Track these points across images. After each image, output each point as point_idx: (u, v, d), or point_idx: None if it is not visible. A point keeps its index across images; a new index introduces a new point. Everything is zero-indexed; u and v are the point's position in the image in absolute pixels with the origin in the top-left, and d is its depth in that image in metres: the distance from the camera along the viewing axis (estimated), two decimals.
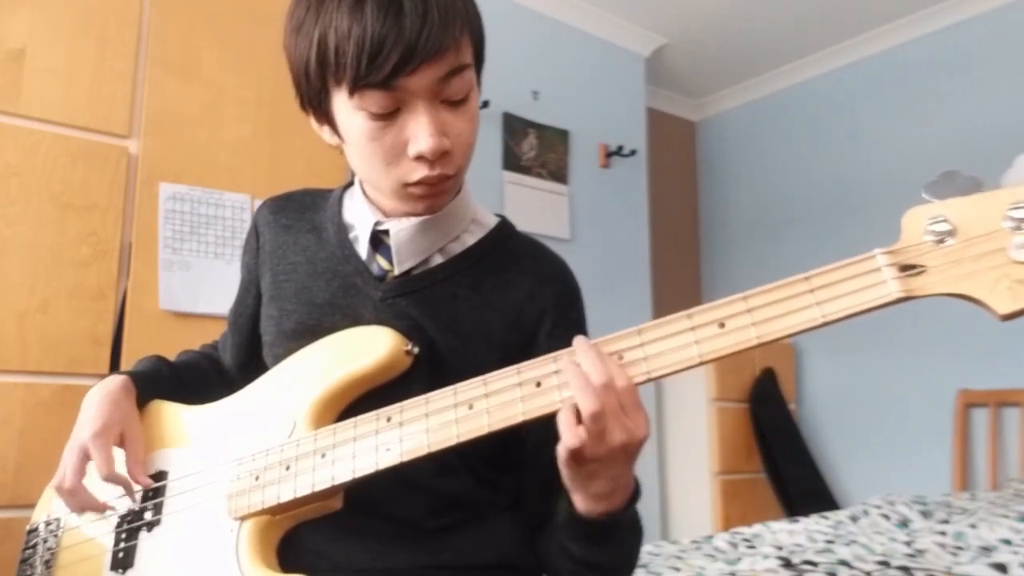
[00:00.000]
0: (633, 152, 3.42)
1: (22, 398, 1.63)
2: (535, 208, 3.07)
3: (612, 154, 3.36)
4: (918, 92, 3.36)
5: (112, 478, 0.84)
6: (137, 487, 0.88)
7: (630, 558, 0.80)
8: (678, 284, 3.93)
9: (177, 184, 1.85)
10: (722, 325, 0.66)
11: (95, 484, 0.88)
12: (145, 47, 1.87)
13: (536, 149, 3.12)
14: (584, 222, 3.22)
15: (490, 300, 0.85)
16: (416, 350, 0.80)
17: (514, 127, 3.07)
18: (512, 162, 3.04)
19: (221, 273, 1.86)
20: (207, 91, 1.92)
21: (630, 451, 0.69)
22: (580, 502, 0.73)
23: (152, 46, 1.87)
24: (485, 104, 2.86)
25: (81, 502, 0.86)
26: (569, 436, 0.67)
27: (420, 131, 0.74)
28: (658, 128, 3.92)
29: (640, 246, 3.43)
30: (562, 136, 3.21)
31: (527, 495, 0.87)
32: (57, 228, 1.71)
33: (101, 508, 0.87)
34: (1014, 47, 3.08)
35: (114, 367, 1.73)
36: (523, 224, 3.18)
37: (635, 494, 0.75)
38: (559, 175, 3.18)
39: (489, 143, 2.99)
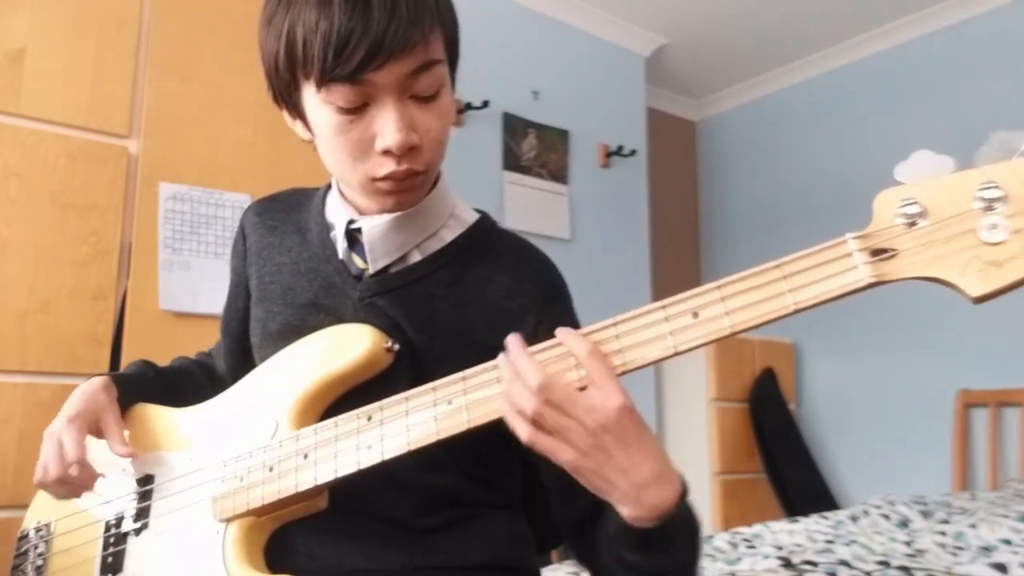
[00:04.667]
0: (633, 152, 3.42)
1: (22, 398, 1.63)
2: (535, 208, 3.07)
3: (612, 154, 3.36)
4: (918, 92, 3.36)
5: (80, 461, 0.83)
6: (126, 492, 0.88)
7: (692, 557, 0.74)
8: (678, 284, 3.91)
9: (177, 184, 1.85)
10: (696, 315, 0.66)
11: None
12: (145, 47, 1.87)
13: (536, 149, 3.12)
14: (584, 222, 3.22)
15: (469, 297, 0.84)
16: (396, 347, 0.80)
17: (514, 127, 3.06)
18: (512, 162, 3.04)
19: (221, 273, 1.86)
20: (207, 91, 1.92)
21: (613, 426, 0.65)
22: (624, 512, 0.68)
23: (152, 46, 1.87)
24: (485, 104, 2.86)
25: (68, 489, 0.86)
26: (520, 430, 0.66)
27: (387, 126, 0.74)
28: (658, 128, 3.92)
29: (640, 246, 3.43)
30: (562, 136, 3.21)
31: (554, 493, 0.83)
32: (57, 228, 1.71)
33: (87, 484, 0.86)
34: (1014, 47, 3.08)
35: (114, 367, 1.73)
36: (523, 224, 3.15)
37: (683, 491, 0.71)
38: (559, 175, 3.18)
39: (489, 143, 2.99)
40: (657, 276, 3.55)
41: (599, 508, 0.74)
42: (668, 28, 3.49)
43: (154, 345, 1.76)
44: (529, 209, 3.04)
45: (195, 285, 1.83)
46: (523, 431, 0.66)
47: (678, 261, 4.03)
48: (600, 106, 3.38)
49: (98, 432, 0.88)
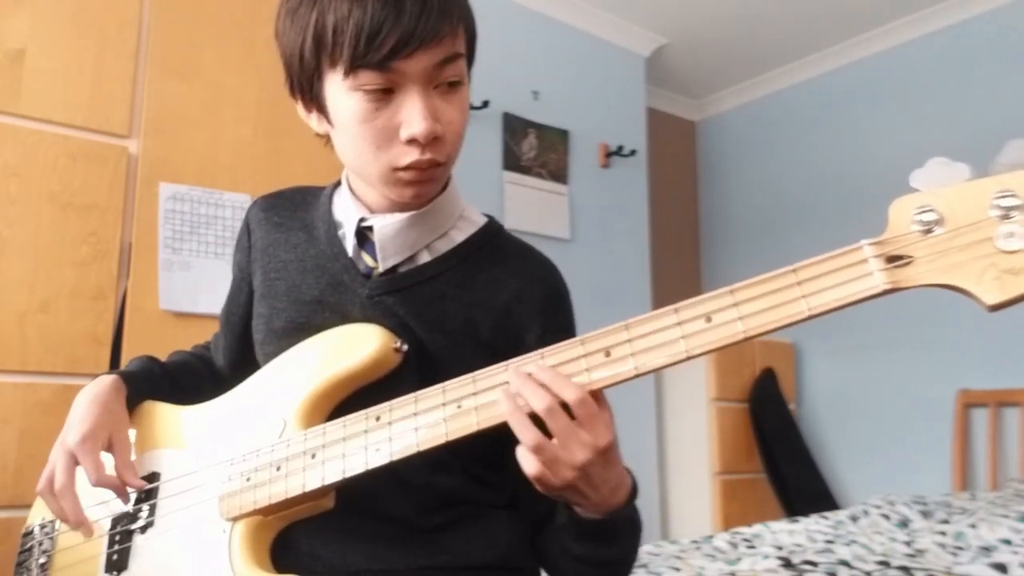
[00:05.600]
0: (633, 152, 3.42)
1: (22, 398, 1.63)
2: (535, 208, 3.07)
3: (612, 154, 3.36)
4: (918, 92, 3.36)
5: (102, 482, 0.83)
6: (130, 489, 0.88)
7: (631, 551, 0.81)
8: (678, 284, 3.93)
9: (177, 184, 1.85)
10: (709, 319, 0.65)
11: (84, 490, 0.88)
12: (145, 47, 1.87)
13: (536, 149, 3.12)
14: (584, 222, 3.22)
15: (478, 299, 0.84)
16: (405, 347, 0.80)
17: (514, 127, 3.06)
18: (512, 162, 3.04)
19: (221, 273, 1.86)
20: (207, 91, 1.92)
21: (598, 462, 0.69)
22: (579, 511, 0.74)
23: (152, 46, 1.87)
24: (485, 104, 2.86)
25: (63, 507, 0.85)
26: (526, 465, 0.69)
27: (413, 114, 0.75)
28: (658, 128, 3.92)
29: (640, 246, 3.43)
30: (562, 136, 3.21)
31: (524, 494, 0.86)
32: (57, 228, 1.71)
33: (80, 517, 0.85)
34: (1014, 47, 3.08)
35: (114, 367, 1.73)
36: (523, 224, 3.14)
37: (633, 491, 0.76)
38: (559, 175, 3.18)
39: (489, 143, 2.99)
40: (657, 276, 3.55)
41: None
42: (668, 28, 3.49)
43: (154, 345, 1.75)
44: (529, 209, 3.04)
45: (195, 285, 1.83)
46: (527, 438, 0.68)
47: (678, 261, 4.03)
48: (600, 106, 3.38)
49: (108, 447, 0.87)
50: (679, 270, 4.02)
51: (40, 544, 0.94)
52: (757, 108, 4.01)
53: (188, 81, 1.90)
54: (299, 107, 0.85)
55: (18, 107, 1.70)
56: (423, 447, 0.72)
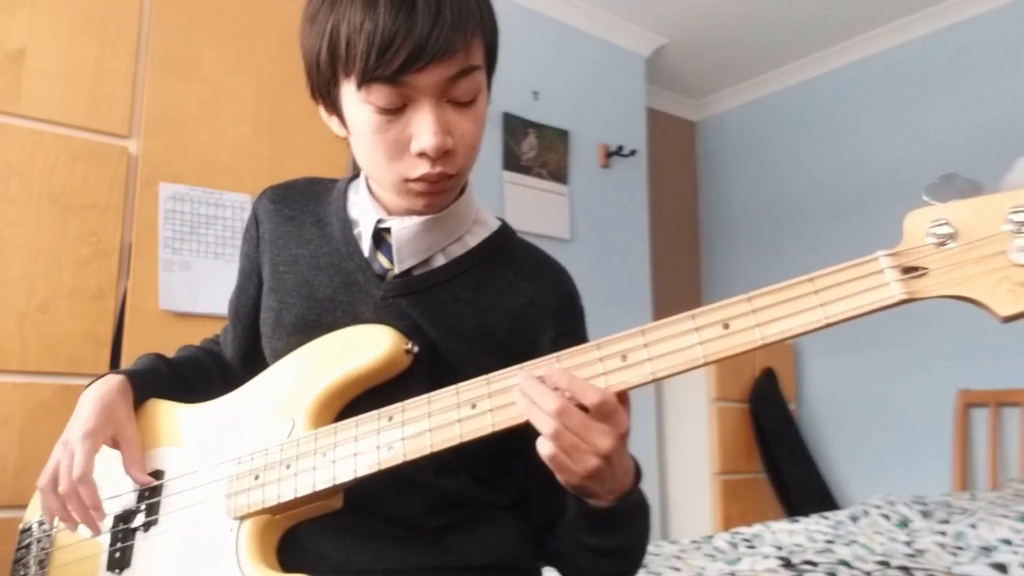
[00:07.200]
0: (633, 152, 3.42)
1: (22, 398, 1.63)
2: (535, 208, 3.07)
3: (612, 154, 3.36)
4: (917, 92, 3.36)
5: (85, 480, 0.82)
6: (134, 487, 0.87)
7: (644, 533, 0.81)
8: (678, 284, 3.93)
9: (177, 184, 1.85)
10: (726, 326, 0.66)
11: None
12: (145, 47, 1.87)
13: (536, 149, 3.12)
14: (584, 222, 3.22)
15: (493, 303, 0.85)
16: (416, 349, 0.80)
17: (514, 127, 3.07)
18: (512, 162, 3.04)
19: (221, 273, 1.86)
20: (207, 91, 1.92)
21: (621, 448, 0.69)
22: (591, 502, 0.75)
23: (152, 46, 1.87)
24: None
25: (66, 504, 0.84)
26: (544, 451, 0.68)
27: (424, 128, 0.75)
28: (658, 128, 3.92)
29: (640, 246, 3.43)
30: (562, 136, 3.21)
31: (534, 495, 0.86)
32: (57, 228, 1.71)
33: (87, 517, 0.84)
34: (1014, 47, 3.08)
35: (114, 367, 1.73)
36: (523, 224, 3.14)
37: (637, 473, 0.77)
38: (559, 175, 3.18)
39: (489, 143, 2.99)
40: (657, 276, 3.55)
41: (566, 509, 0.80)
42: (668, 28, 3.49)
43: (154, 345, 1.74)
44: (529, 209, 3.04)
45: (195, 285, 1.83)
46: (546, 448, 0.68)
47: (678, 261, 4.03)
48: (600, 106, 3.38)
49: (114, 444, 0.87)
50: (679, 270, 4.02)
51: (39, 541, 0.94)
52: (757, 108, 4.01)
53: (188, 81, 1.90)
54: (321, 110, 0.85)
55: (18, 107, 1.70)
56: (437, 448, 0.72)
